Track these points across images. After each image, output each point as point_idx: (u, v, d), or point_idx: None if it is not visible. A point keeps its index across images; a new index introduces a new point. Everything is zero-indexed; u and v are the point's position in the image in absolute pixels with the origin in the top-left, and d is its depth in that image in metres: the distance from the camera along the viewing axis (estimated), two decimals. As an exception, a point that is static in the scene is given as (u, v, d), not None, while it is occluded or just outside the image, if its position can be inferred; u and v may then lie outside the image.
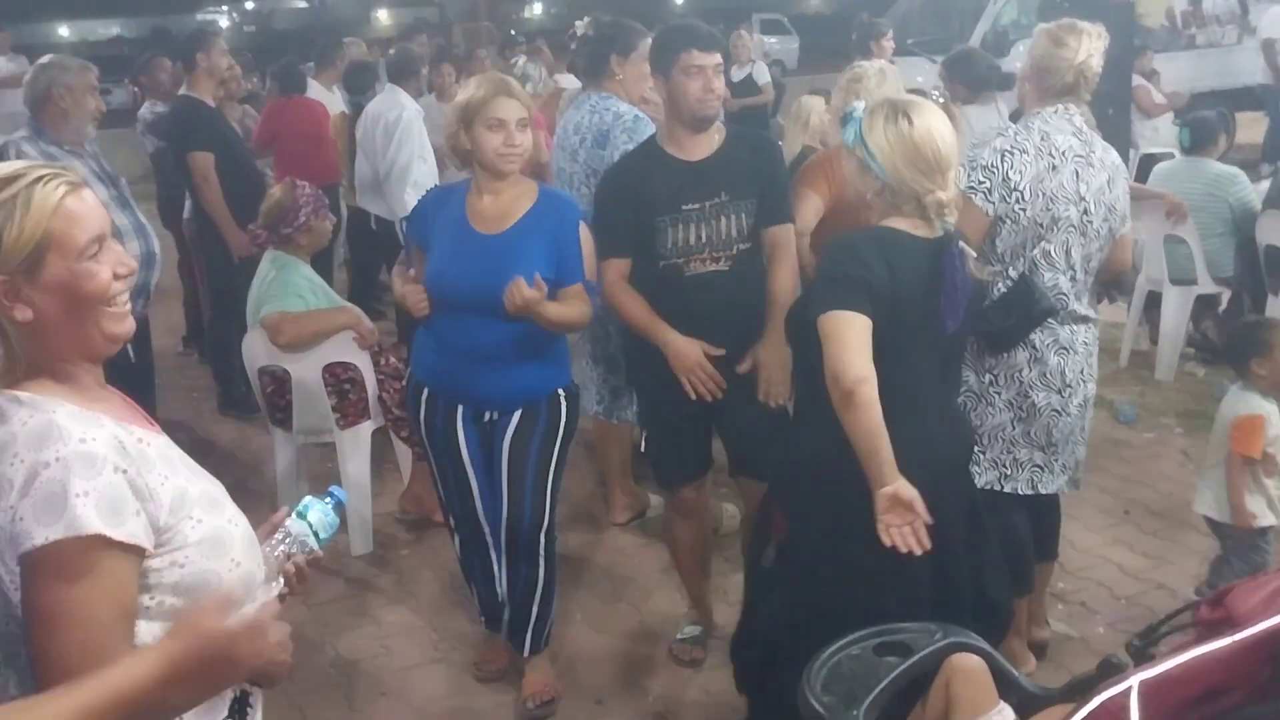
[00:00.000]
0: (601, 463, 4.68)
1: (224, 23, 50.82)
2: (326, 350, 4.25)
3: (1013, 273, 3.14)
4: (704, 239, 3.27)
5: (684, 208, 3.25)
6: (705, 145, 3.30)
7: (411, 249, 3.38)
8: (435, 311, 3.22)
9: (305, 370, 4.24)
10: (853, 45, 8.09)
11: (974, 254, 2.59)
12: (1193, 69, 11.37)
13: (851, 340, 2.44)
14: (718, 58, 3.23)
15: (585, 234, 3.24)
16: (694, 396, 3.24)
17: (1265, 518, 3.59)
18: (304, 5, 49.63)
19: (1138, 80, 8.80)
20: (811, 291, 2.62)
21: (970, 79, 5.73)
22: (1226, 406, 3.69)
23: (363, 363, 4.31)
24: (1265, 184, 6.11)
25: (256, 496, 5.02)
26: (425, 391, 3.32)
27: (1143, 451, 5.14)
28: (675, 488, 3.56)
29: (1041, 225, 3.10)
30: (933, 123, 2.53)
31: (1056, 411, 3.19)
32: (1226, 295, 6.08)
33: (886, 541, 2.35)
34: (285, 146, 6.65)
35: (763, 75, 10.75)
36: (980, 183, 3.08)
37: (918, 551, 2.36)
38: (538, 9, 49.51)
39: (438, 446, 3.35)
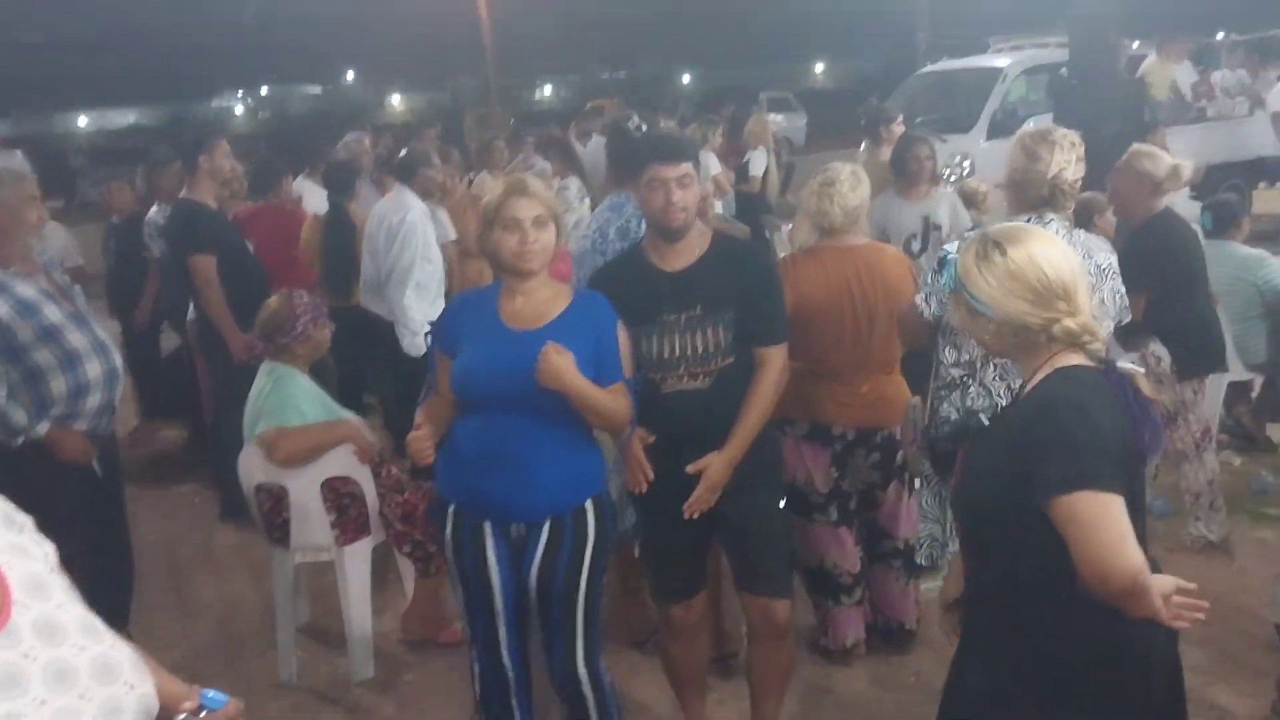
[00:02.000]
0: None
1: (239, 109, 51.74)
2: (325, 464, 4.07)
3: (985, 378, 3.19)
4: (680, 353, 3.13)
5: (661, 319, 3.13)
6: (685, 255, 3.18)
7: (435, 365, 3.20)
8: (461, 414, 3.07)
9: (303, 486, 4.05)
10: (863, 130, 8.04)
11: (1140, 370, 2.26)
12: (1204, 142, 11.25)
13: (1118, 529, 2.05)
14: (683, 168, 3.09)
15: (623, 334, 3.09)
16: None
17: None
18: (318, 91, 50.46)
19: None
20: (1034, 466, 2.13)
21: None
22: None
23: (363, 476, 4.12)
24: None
25: (254, 612, 4.83)
26: (451, 509, 3.15)
27: (1182, 548, 4.88)
28: (667, 606, 3.38)
29: None
30: (1033, 249, 2.21)
31: None
32: (1259, 382, 5.86)
33: (1184, 627, 2.12)
34: (259, 253, 6.49)
35: (758, 165, 10.35)
36: (925, 285, 3.12)
37: (1201, 615, 2.11)
38: (548, 91, 50.33)
39: (465, 568, 3.14)
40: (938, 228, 5.44)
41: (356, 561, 4.16)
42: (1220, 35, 13.17)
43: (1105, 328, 3.23)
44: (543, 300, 3.06)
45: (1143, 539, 2.15)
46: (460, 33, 33.61)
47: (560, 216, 3.13)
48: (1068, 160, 3.25)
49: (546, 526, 3.07)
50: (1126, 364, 2.21)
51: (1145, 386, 2.19)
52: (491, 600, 3.12)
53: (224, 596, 5.13)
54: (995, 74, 11.75)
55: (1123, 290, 3.38)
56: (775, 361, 3.20)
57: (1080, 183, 3.34)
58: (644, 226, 3.67)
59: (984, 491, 2.27)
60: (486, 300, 3.13)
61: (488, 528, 3.09)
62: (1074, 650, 2.18)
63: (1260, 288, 5.48)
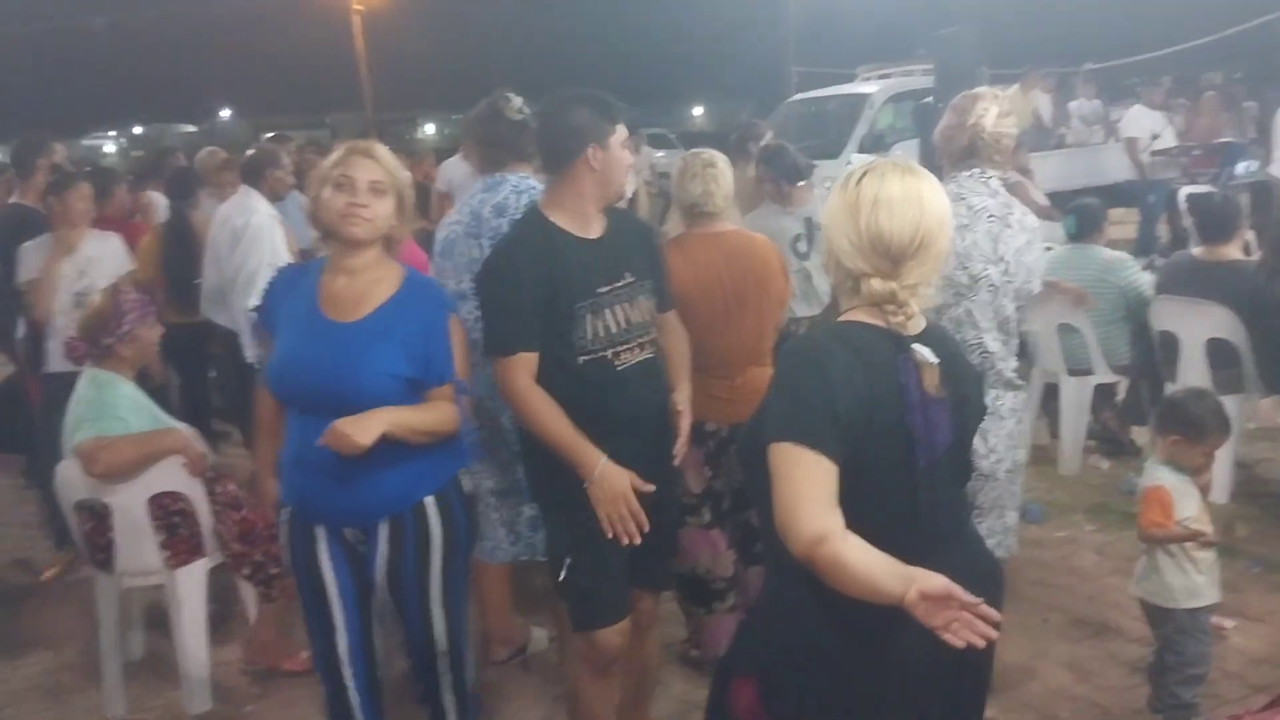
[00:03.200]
0: (477, 594, 4.12)
1: (110, 148, 49.83)
2: (152, 479, 3.66)
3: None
4: (628, 324, 2.84)
5: (599, 291, 2.80)
6: (597, 222, 2.88)
7: (262, 338, 2.92)
8: (289, 414, 2.75)
9: (128, 503, 3.64)
10: (731, 147, 7.91)
11: (932, 360, 1.98)
12: (1064, 167, 11.52)
13: (805, 489, 1.88)
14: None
15: (456, 326, 2.79)
16: (609, 535, 2.75)
17: (1201, 597, 3.23)
18: (193, 129, 48.94)
19: (1015, 177, 8.78)
20: (765, 407, 2.02)
21: (787, 169, 5.54)
22: (1141, 482, 3.37)
23: (194, 492, 3.73)
24: (1148, 275, 5.95)
25: (81, 648, 4.36)
26: (286, 512, 2.83)
27: (1056, 553, 4.78)
28: (597, 633, 2.93)
29: (960, 284, 3.01)
30: (889, 194, 1.98)
31: (985, 476, 3.09)
32: (1124, 384, 5.86)
33: (959, 646, 1.80)
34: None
35: (629, 188, 10.30)
36: None
37: (993, 635, 1.81)
38: (430, 129, 49.76)
39: (300, 576, 2.83)
40: (819, 227, 5.31)
41: (189, 585, 3.76)
42: (1087, 66, 13.53)
43: (965, 308, 3.08)
44: (369, 283, 2.70)
45: (909, 536, 1.94)
46: (339, 70, 33.03)
47: (406, 196, 2.80)
48: (991, 110, 3.12)
49: (385, 528, 2.75)
50: (926, 353, 1.97)
51: (930, 380, 1.95)
52: (328, 611, 2.80)
53: (53, 631, 4.63)
54: (863, 100, 11.85)
55: (1033, 266, 3.19)
56: (680, 326, 3.12)
57: (1006, 140, 3.18)
58: (523, 203, 3.39)
59: (744, 437, 2.13)
60: (307, 279, 2.77)
61: (321, 532, 2.77)
62: (822, 619, 1.99)
63: (1124, 289, 5.47)
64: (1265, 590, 4.22)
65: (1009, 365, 3.13)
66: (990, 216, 3.06)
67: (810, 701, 2.03)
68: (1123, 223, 11.32)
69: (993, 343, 3.08)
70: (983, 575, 2.06)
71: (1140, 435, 5.93)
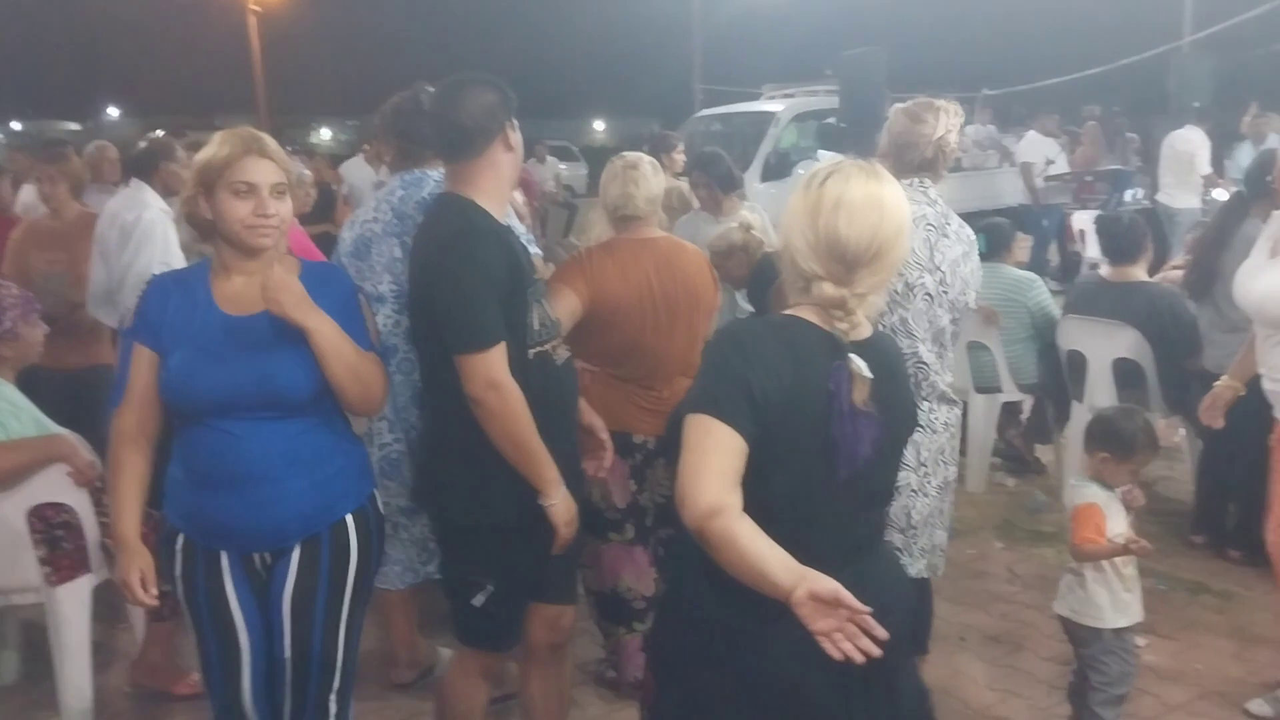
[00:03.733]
0: (381, 618, 3.89)
1: (-13, 143, 47.81)
2: (33, 489, 3.37)
3: None
4: (552, 319, 2.72)
5: (534, 279, 2.67)
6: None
7: (129, 360, 2.50)
8: (181, 427, 2.48)
9: (6, 514, 3.34)
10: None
11: (866, 374, 1.91)
12: (961, 190, 11.71)
13: (709, 460, 1.85)
14: None
15: (365, 302, 2.63)
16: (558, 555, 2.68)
17: (1127, 615, 3.21)
18: (77, 128, 47.08)
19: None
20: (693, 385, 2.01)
21: (722, 177, 5.49)
22: (1070, 500, 3.33)
23: (80, 503, 3.44)
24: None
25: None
26: (180, 539, 2.53)
27: (967, 569, 4.76)
28: (493, 654, 2.83)
29: (895, 292, 2.92)
30: (850, 198, 1.93)
31: (915, 491, 3.01)
32: (1029, 403, 5.91)
33: (837, 655, 1.74)
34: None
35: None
36: None
37: (875, 652, 1.74)
38: (325, 134, 48.75)
39: (200, 609, 2.55)
40: (749, 233, 5.25)
41: (72, 603, 3.47)
42: (984, 91, 13.85)
43: (923, 324, 3.01)
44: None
45: (819, 544, 1.90)
46: (232, 71, 32.10)
47: (296, 186, 2.64)
48: (953, 125, 3.08)
49: (297, 552, 2.53)
50: (862, 366, 1.90)
51: (861, 393, 1.89)
52: (235, 646, 2.54)
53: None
54: (769, 118, 11.88)
55: (969, 278, 3.15)
56: None
57: (955, 151, 3.17)
58: None
59: (669, 422, 2.06)
60: (195, 282, 2.52)
61: (225, 559, 2.52)
62: (715, 611, 1.96)
63: (1030, 309, 5.52)
64: (1171, 608, 4.26)
65: (944, 378, 3.06)
66: (928, 225, 3.00)
67: (693, 697, 2.02)
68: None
69: (927, 353, 3.00)
70: (892, 595, 2.03)
71: (1044, 454, 6.00)
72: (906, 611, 2.14)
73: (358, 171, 10.25)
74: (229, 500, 2.45)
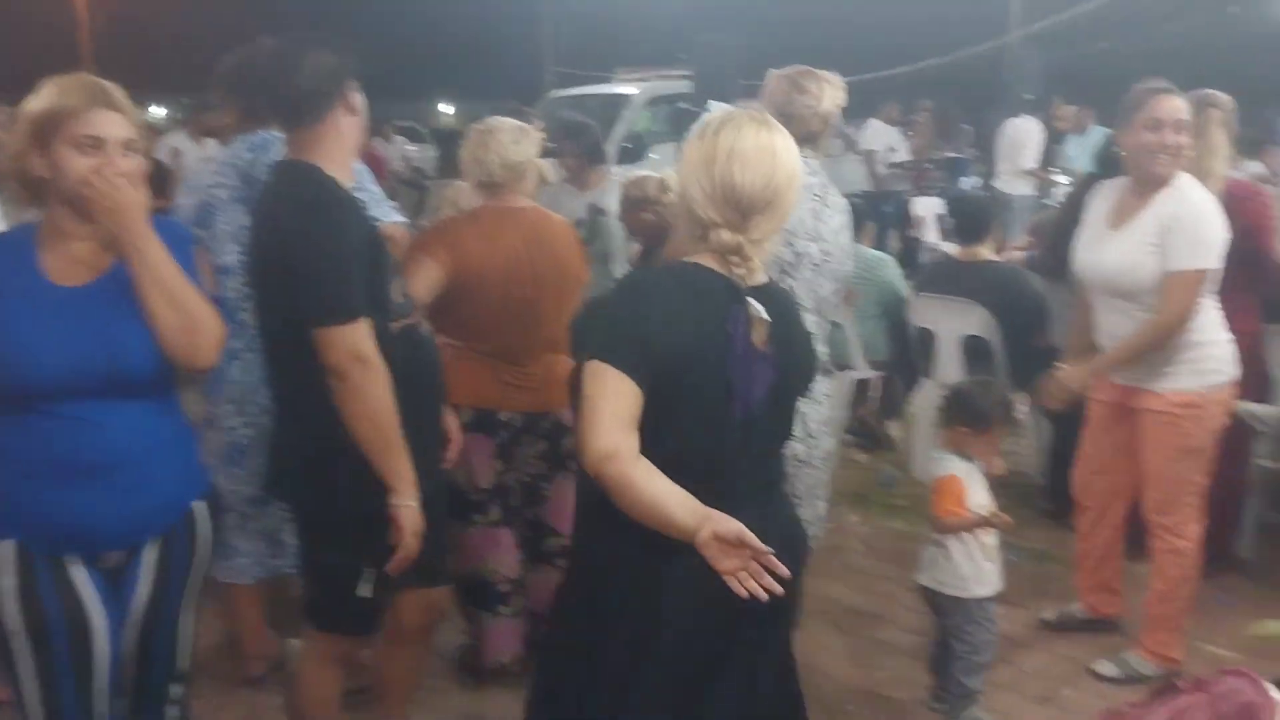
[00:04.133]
0: (228, 612, 3.63)
1: None
2: None
3: None
4: (408, 295, 2.60)
5: (389, 251, 2.50)
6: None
7: None
8: (9, 417, 2.15)
9: None
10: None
11: (764, 315, 1.99)
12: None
13: (605, 405, 1.89)
14: None
15: (202, 253, 2.37)
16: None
17: (989, 584, 3.25)
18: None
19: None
20: (590, 325, 2.13)
21: (591, 148, 5.40)
22: (931, 473, 3.37)
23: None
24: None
25: None
26: (12, 547, 2.19)
27: (825, 543, 4.75)
28: (373, 634, 2.70)
29: (785, 260, 2.88)
30: (743, 147, 1.98)
31: (801, 462, 2.98)
32: (879, 380, 6.00)
33: (743, 594, 1.87)
34: None
35: None
36: None
37: (778, 590, 1.88)
38: (160, 111, 46.51)
39: (49, 622, 2.20)
40: (602, 213, 5.13)
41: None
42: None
43: (811, 284, 2.99)
44: (100, 240, 2.21)
45: (717, 485, 1.96)
46: (57, 42, 30.18)
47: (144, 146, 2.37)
48: (838, 100, 3.06)
49: (155, 549, 2.29)
50: (759, 308, 1.99)
51: (759, 334, 1.99)
52: (89, 659, 2.24)
53: None
54: (623, 101, 11.82)
55: (848, 249, 3.17)
56: None
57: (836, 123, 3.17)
58: None
59: (571, 378, 2.22)
60: (18, 250, 2.22)
61: (74, 564, 2.22)
62: (601, 548, 2.04)
63: (882, 288, 5.59)
64: (1022, 578, 4.35)
65: (823, 350, 3.03)
66: (814, 195, 2.97)
67: (594, 617, 2.05)
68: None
69: (812, 324, 2.97)
70: (787, 537, 2.09)
71: (895, 429, 6.10)
72: (798, 555, 2.17)
73: (179, 145, 9.68)
74: (85, 495, 2.17)
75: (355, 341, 2.28)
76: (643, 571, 1.97)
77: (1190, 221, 3.30)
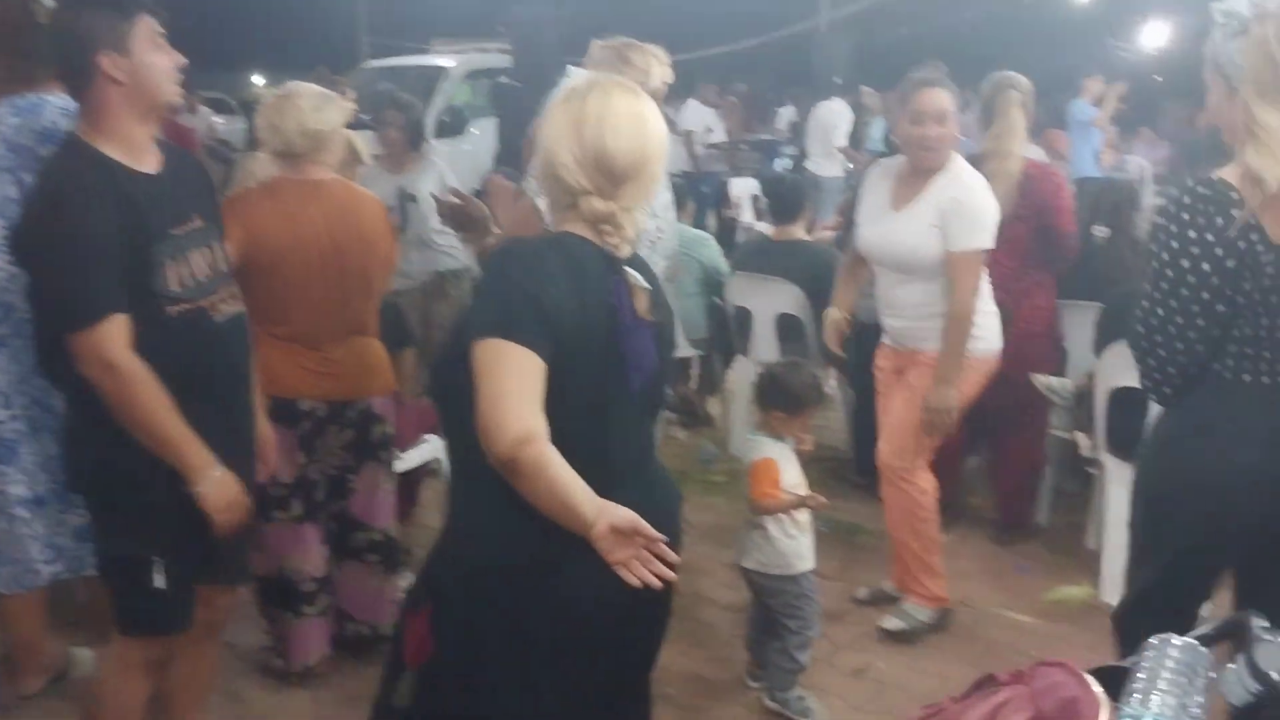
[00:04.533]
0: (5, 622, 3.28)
1: None
2: None
3: None
4: (211, 272, 2.34)
5: (173, 233, 2.26)
6: (153, 155, 2.31)
7: None
8: None
9: None
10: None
11: (644, 284, 1.92)
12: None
13: (511, 385, 1.74)
14: None
15: None
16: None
17: (807, 559, 3.27)
18: None
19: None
20: (468, 313, 1.90)
21: (416, 126, 5.23)
22: (746, 455, 3.36)
23: None
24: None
25: None
26: None
27: (646, 522, 4.74)
28: (156, 638, 2.48)
29: None
30: (615, 111, 1.88)
31: None
32: (698, 357, 6.00)
33: (634, 583, 1.78)
34: None
35: None
36: None
37: (670, 576, 1.81)
38: None
39: None
40: (413, 199, 4.90)
41: None
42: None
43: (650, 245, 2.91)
44: None
45: (603, 462, 1.87)
46: None
47: None
48: (666, 77, 2.97)
49: None
50: (639, 277, 1.91)
51: (642, 304, 1.91)
52: None
53: None
54: (441, 73, 11.45)
55: (674, 221, 3.21)
56: None
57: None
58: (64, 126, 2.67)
59: (436, 364, 2.08)
60: None
61: None
62: (505, 542, 1.89)
63: (705, 265, 5.58)
64: (832, 549, 4.40)
65: None
66: None
67: (480, 627, 1.91)
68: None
69: None
70: (666, 512, 2.03)
71: (713, 405, 6.11)
72: (677, 529, 2.10)
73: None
74: None
75: (99, 347, 2.13)
76: (543, 566, 1.87)
77: (969, 205, 3.45)
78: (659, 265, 2.91)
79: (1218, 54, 2.23)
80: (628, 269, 1.91)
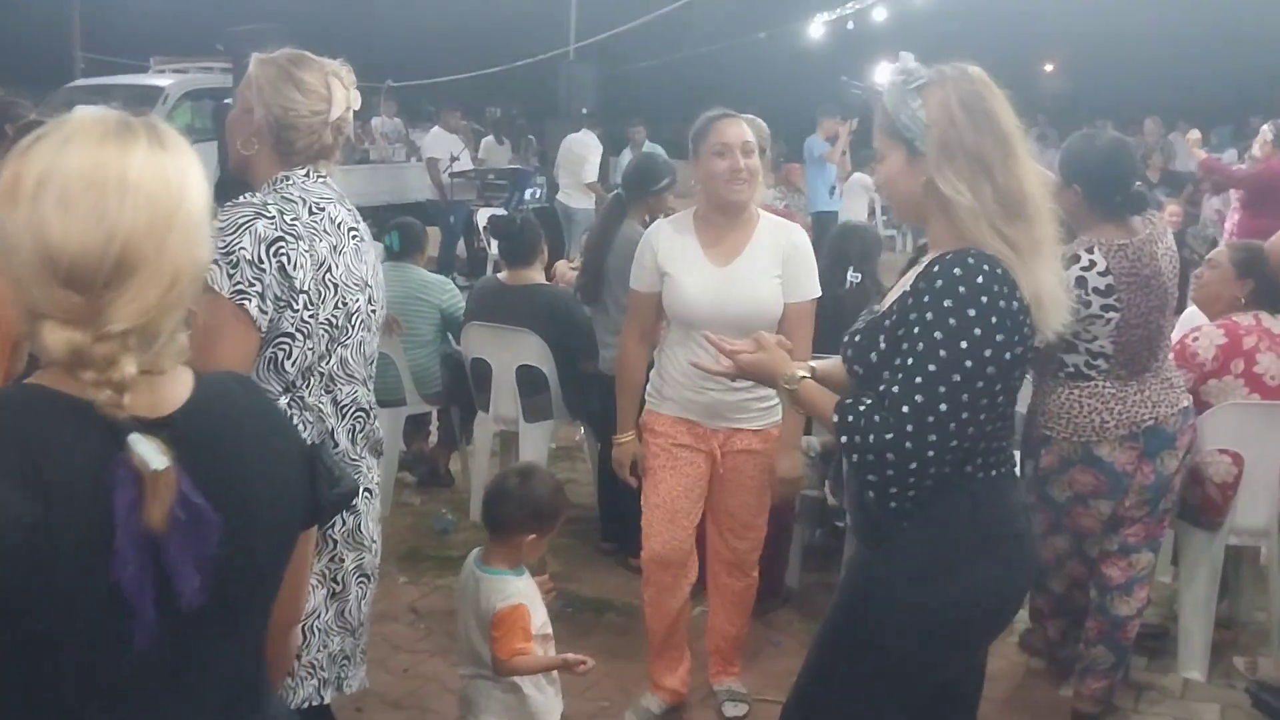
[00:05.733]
0: None
1: None
2: None
3: (308, 396, 2.12)
4: None
5: None
6: None
7: None
8: None
9: None
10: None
11: (157, 464, 1.08)
12: (368, 183, 11.06)
13: None
14: None
15: None
16: None
17: (557, 704, 2.68)
18: None
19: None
20: None
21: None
22: (477, 599, 2.60)
23: None
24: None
25: None
26: None
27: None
28: None
29: (336, 327, 2.13)
30: (66, 168, 1.10)
31: (367, 576, 2.32)
32: (435, 413, 5.35)
33: None
34: None
35: None
36: (251, 284, 1.99)
37: None
38: None
39: None
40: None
41: None
42: (388, 83, 13.20)
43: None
44: None
45: None
46: None
47: None
48: (352, 101, 2.19)
49: None
50: (148, 452, 1.08)
51: (157, 499, 1.08)
52: None
53: None
54: (156, 93, 10.29)
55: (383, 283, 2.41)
56: None
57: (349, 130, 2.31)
58: None
59: None
60: None
61: None
62: None
63: (444, 311, 4.96)
64: (580, 630, 3.86)
65: (376, 424, 2.30)
66: (353, 231, 2.19)
67: None
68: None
69: (366, 397, 2.24)
70: None
71: (454, 462, 5.46)
72: None
73: None
74: None
75: None
76: None
77: (805, 250, 3.11)
78: (372, 346, 2.26)
79: (897, 114, 1.92)
80: (134, 439, 1.10)
